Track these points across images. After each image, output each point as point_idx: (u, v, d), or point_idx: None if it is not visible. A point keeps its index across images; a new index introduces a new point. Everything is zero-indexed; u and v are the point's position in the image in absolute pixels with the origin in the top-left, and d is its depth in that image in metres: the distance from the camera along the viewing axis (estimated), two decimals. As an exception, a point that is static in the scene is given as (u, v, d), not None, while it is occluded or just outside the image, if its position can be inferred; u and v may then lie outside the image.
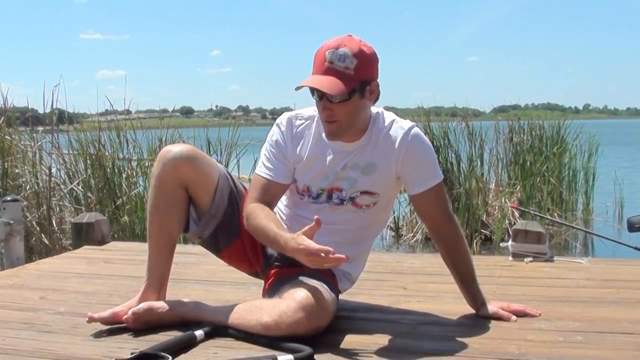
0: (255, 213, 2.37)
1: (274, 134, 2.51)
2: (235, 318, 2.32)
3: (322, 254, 2.08)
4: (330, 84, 2.25)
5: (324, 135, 2.44)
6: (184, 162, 2.47)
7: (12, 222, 4.44)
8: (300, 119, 2.51)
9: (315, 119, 2.48)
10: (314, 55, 2.34)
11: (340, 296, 2.56)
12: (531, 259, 3.67)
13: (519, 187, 9.09)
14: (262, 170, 2.49)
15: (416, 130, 2.46)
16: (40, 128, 7.55)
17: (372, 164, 2.44)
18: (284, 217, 2.62)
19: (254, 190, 2.47)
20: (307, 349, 2.07)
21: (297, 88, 2.29)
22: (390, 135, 2.43)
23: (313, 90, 2.30)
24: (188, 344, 2.21)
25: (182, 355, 2.13)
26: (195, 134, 8.06)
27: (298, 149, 2.48)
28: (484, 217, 8.54)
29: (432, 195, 2.47)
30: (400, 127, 2.44)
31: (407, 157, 2.42)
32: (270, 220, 2.34)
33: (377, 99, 2.40)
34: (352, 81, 2.27)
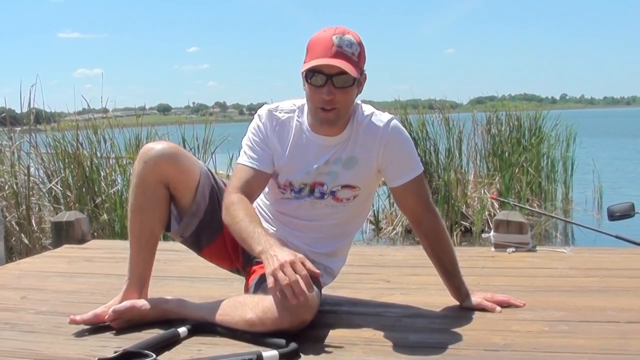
0: (235, 206, 2.32)
1: (255, 124, 2.48)
2: (219, 314, 2.30)
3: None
4: (346, 66, 2.23)
5: (305, 129, 2.43)
6: (166, 160, 2.43)
7: (-9, 222, 4.40)
8: (280, 112, 2.48)
9: (296, 112, 2.46)
10: (310, 43, 2.30)
11: (324, 290, 2.54)
12: (513, 249, 3.68)
13: (497, 178, 9.14)
14: (245, 159, 2.44)
15: (395, 122, 2.46)
16: (18, 128, 7.51)
17: (354, 157, 2.43)
18: (263, 214, 2.60)
19: (236, 179, 2.42)
20: (291, 344, 2.06)
21: (309, 69, 2.25)
22: (370, 129, 2.42)
23: (317, 73, 2.25)
24: (171, 341, 2.19)
25: (166, 353, 2.12)
26: (169, 131, 8.05)
27: (278, 141, 2.45)
28: (464, 208, 8.58)
29: (412, 187, 2.46)
30: (379, 119, 2.44)
31: (387, 149, 2.42)
32: (249, 215, 2.29)
33: (360, 91, 2.40)
34: (357, 67, 2.27)
